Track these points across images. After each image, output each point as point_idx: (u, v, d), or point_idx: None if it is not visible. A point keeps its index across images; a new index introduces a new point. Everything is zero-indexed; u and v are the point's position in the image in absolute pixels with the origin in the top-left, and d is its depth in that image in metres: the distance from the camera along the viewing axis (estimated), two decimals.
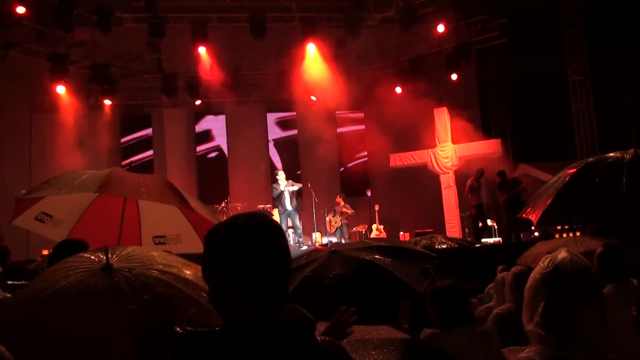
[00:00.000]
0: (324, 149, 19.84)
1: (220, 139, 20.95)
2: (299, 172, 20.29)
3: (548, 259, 2.21)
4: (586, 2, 18.53)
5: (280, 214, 16.22)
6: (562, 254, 2.20)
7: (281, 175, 16.45)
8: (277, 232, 1.90)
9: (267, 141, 21.18)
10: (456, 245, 10.66)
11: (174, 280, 2.60)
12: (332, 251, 4.52)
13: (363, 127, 21.02)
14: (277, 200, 16.43)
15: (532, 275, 2.22)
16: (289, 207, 16.24)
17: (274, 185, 16.48)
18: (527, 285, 2.22)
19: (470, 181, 15.87)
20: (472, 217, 16.06)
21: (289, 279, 1.90)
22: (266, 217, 1.94)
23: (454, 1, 18.30)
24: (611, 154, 5.48)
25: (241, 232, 1.87)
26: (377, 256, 4.48)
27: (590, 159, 5.34)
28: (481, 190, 16.10)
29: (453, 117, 18.98)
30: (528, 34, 19.60)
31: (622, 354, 4.77)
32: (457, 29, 18.93)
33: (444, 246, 10.15)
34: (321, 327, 2.53)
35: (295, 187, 16.45)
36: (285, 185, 16.29)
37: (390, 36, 19.83)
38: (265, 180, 20.52)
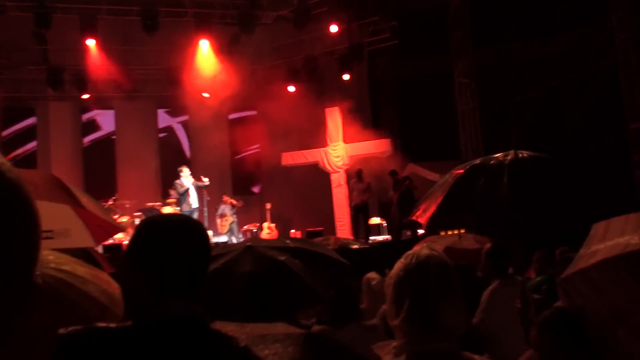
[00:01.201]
0: (216, 148, 19.67)
1: (109, 134, 20.38)
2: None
3: (410, 256, 2.28)
4: (474, 5, 19.21)
5: (183, 212, 15.87)
6: (424, 251, 2.28)
7: (186, 172, 16.14)
8: (198, 228, 1.93)
9: (158, 138, 20.77)
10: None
11: (70, 278, 2.50)
12: (247, 246, 4.50)
13: (255, 124, 20.96)
14: (181, 198, 16.09)
15: (395, 272, 2.28)
16: (195, 204, 15.95)
17: (177, 182, 16.13)
18: (391, 282, 2.28)
19: (352, 182, 16.35)
20: (352, 216, 16.47)
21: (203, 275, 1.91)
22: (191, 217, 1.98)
23: (346, 2, 18.57)
24: (494, 156, 5.74)
25: (164, 223, 1.93)
26: (290, 258, 4.49)
27: (477, 161, 5.56)
28: (366, 190, 16.44)
29: (345, 117, 19.24)
30: (418, 36, 20.12)
31: (507, 344, 5.02)
32: (350, 29, 19.21)
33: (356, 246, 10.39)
34: (227, 326, 2.51)
35: (205, 184, 16.25)
36: (192, 182, 16.02)
37: (284, 35, 19.89)
38: (155, 178, 20.11)
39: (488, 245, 5.92)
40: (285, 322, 3.49)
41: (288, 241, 4.90)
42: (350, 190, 16.41)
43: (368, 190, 16.39)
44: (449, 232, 12.82)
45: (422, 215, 5.66)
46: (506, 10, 19.50)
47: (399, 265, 2.29)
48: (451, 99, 19.75)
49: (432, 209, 5.23)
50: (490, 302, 5.46)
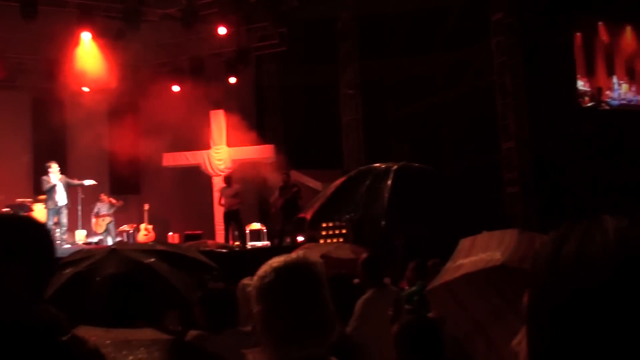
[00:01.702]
0: (94, 144, 19.01)
1: None
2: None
3: (269, 265, 2.26)
4: (362, 19, 19.56)
5: (49, 209, 15.18)
6: (292, 257, 2.28)
7: (54, 168, 15.39)
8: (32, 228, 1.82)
9: (31, 131, 19.84)
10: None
11: None
12: (111, 250, 4.37)
13: (136, 123, 20.43)
14: (48, 195, 15.36)
15: (262, 277, 2.26)
16: (61, 202, 15.28)
17: (44, 178, 15.37)
18: (258, 287, 2.26)
19: (220, 188, 16.34)
20: (225, 222, 16.40)
21: (55, 275, 1.81)
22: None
23: (236, 6, 18.44)
24: (384, 164, 5.90)
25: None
26: (155, 260, 4.42)
27: (364, 168, 5.70)
28: (235, 195, 16.36)
29: (229, 121, 19.09)
30: (306, 44, 20.27)
31: (380, 353, 5.11)
32: (239, 33, 19.08)
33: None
34: (92, 331, 2.41)
35: (79, 183, 15.67)
36: (61, 179, 15.33)
37: (171, 34, 19.50)
38: (27, 173, 19.19)
39: (364, 255, 6.03)
40: (149, 325, 3.46)
41: (154, 244, 4.82)
42: (219, 196, 16.38)
43: (237, 195, 16.32)
44: (328, 241, 12.99)
45: (308, 211, 5.78)
46: (393, 26, 20.02)
47: (266, 270, 2.26)
48: (336, 109, 20.00)
49: (319, 203, 5.38)
50: (364, 311, 5.53)
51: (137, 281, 4.25)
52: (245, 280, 7.44)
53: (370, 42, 19.92)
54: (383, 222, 5.57)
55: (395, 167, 5.33)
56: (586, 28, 19.84)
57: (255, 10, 19.22)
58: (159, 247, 4.84)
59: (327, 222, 9.47)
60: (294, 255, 2.30)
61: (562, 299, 0.92)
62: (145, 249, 4.70)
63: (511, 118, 16.53)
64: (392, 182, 4.94)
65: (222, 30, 18.63)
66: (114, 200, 17.23)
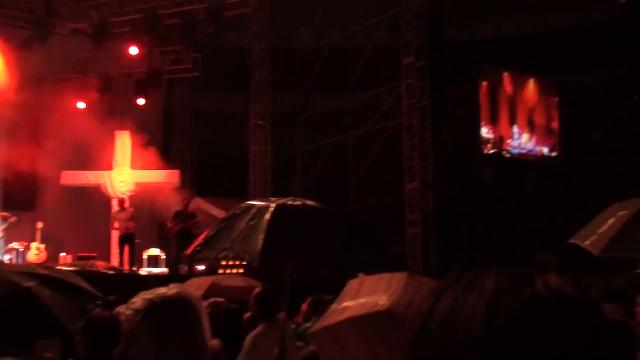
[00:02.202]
0: None
1: None
2: None
3: (153, 294, 2.22)
4: (276, 52, 19.60)
5: None
6: (169, 290, 2.22)
7: None
8: None
9: None
10: None
11: None
12: None
13: (36, 137, 19.64)
14: None
15: (136, 308, 2.20)
16: None
17: None
18: (131, 317, 2.20)
19: (114, 212, 16.06)
20: (120, 245, 16.08)
21: None
22: None
23: (150, 26, 18.17)
24: (265, 200, 5.88)
25: None
26: (36, 284, 4.19)
27: (245, 204, 5.67)
28: (130, 219, 16.03)
29: (135, 142, 18.66)
30: (219, 72, 20.15)
31: None
32: (151, 54, 18.79)
33: None
34: None
35: None
36: None
37: (80, 48, 19.00)
38: None
39: (257, 290, 5.96)
40: (19, 354, 3.32)
41: (37, 267, 4.58)
42: (112, 219, 16.01)
43: (132, 219, 15.98)
44: (227, 271, 12.79)
45: (191, 246, 5.71)
46: (307, 61, 20.18)
47: (141, 301, 2.20)
48: (245, 138, 19.89)
49: (200, 239, 5.33)
50: (253, 346, 5.45)
51: (9, 306, 4.03)
52: (121, 308, 7.20)
53: (284, 75, 19.99)
54: (255, 263, 5.50)
55: (274, 204, 5.31)
56: (492, 77, 20.56)
57: (170, 33, 19.01)
58: (42, 270, 4.60)
59: (200, 261, 9.34)
60: (164, 289, 2.23)
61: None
62: (27, 272, 4.45)
63: (416, 159, 16.83)
64: (269, 220, 4.93)
65: (133, 50, 18.30)
66: (6, 214, 16.47)
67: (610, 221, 5.50)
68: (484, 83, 20.20)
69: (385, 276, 3.37)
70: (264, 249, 5.07)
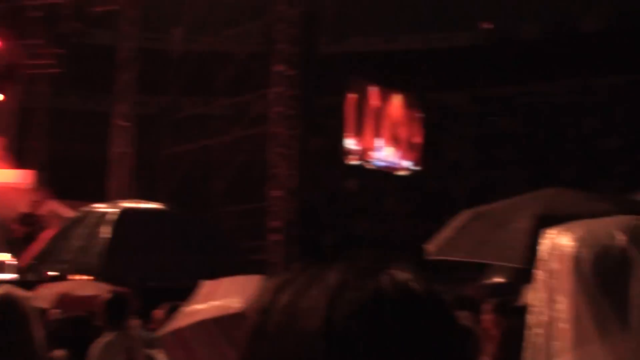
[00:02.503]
0: None
1: None
2: None
3: None
4: (144, 52, 19.06)
5: None
6: None
7: None
8: None
9: None
10: None
11: None
12: None
13: None
14: None
15: None
16: None
17: None
18: None
19: None
20: None
21: None
22: None
23: (11, 17, 17.24)
24: (107, 206, 5.68)
25: None
26: None
27: (85, 210, 5.45)
28: None
29: None
30: (84, 69, 19.38)
31: None
32: (10, 47, 17.78)
33: None
34: None
35: None
36: None
37: None
38: None
39: (106, 296, 5.72)
40: None
41: None
42: None
43: None
44: (77, 277, 12.20)
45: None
46: (176, 64, 19.82)
47: None
48: (107, 139, 19.20)
49: (34, 252, 5.04)
50: (101, 355, 5.21)
51: None
52: None
53: (151, 76, 19.51)
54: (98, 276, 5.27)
55: (120, 208, 5.10)
56: (359, 90, 21.01)
57: (32, 26, 18.07)
58: None
59: (36, 275, 8.92)
60: None
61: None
62: None
63: (282, 167, 16.86)
64: (114, 226, 4.73)
65: None
66: None
67: (450, 227, 5.82)
68: (352, 95, 20.60)
69: (240, 279, 3.29)
70: (108, 259, 4.84)
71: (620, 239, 1.55)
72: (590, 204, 5.32)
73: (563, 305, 1.58)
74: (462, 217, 5.81)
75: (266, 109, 17.58)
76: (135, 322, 5.93)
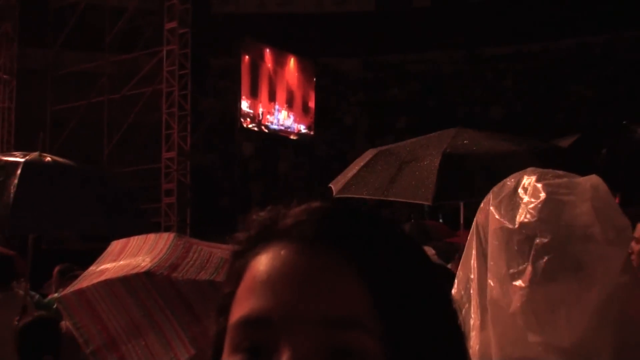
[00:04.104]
0: None
1: None
2: None
3: None
4: (24, 2, 17.98)
5: None
6: None
7: None
8: None
9: None
10: None
11: None
12: None
13: None
14: None
15: None
16: None
17: None
18: None
19: None
20: None
21: None
22: None
23: None
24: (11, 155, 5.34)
25: None
26: None
27: None
28: None
29: None
30: None
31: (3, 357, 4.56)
32: None
33: None
34: None
35: None
36: None
37: None
38: None
39: None
40: None
41: None
42: None
43: None
44: None
45: None
46: (60, 15, 18.85)
47: None
48: None
49: None
50: None
51: None
52: None
53: (34, 28, 18.46)
54: (8, 226, 4.98)
55: (23, 160, 4.83)
56: (254, 52, 20.69)
57: None
58: None
59: None
60: None
61: None
62: None
63: (175, 128, 16.43)
64: (19, 179, 4.46)
65: None
66: None
67: (355, 165, 5.83)
68: (246, 57, 20.27)
69: (151, 236, 3.12)
70: (14, 212, 4.54)
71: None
72: (491, 142, 5.61)
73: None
74: (367, 156, 5.80)
75: (158, 68, 17.03)
76: (23, 284, 5.67)
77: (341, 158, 20.50)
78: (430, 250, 6.50)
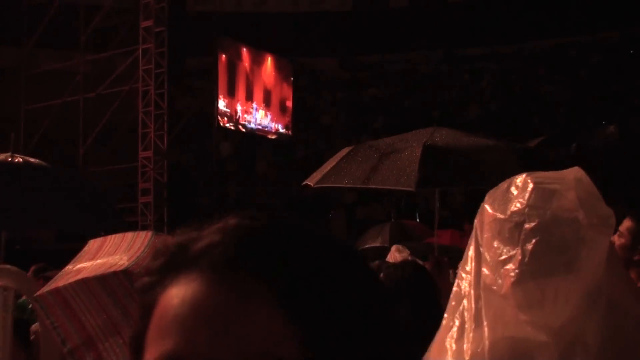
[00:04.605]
0: None
1: None
2: None
3: None
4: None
5: None
6: None
7: None
8: None
9: None
10: None
11: None
12: None
13: None
14: None
15: None
16: None
17: None
18: None
19: None
20: None
21: None
22: None
23: None
24: None
25: None
26: None
27: None
28: None
29: None
30: None
31: None
32: None
33: None
34: None
35: None
36: None
37: None
38: None
39: None
40: None
41: None
42: None
43: None
44: None
45: None
46: (33, 13, 18.65)
47: None
48: None
49: None
50: None
51: None
52: None
53: (6, 26, 18.26)
54: None
55: None
56: (231, 51, 20.61)
57: None
58: None
59: None
60: None
61: None
62: None
63: (151, 127, 16.31)
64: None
65: None
66: None
67: (332, 160, 5.89)
68: (223, 56, 20.19)
69: (129, 235, 3.09)
70: None
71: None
72: (469, 138, 5.80)
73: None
74: (344, 151, 5.83)
75: (134, 66, 16.89)
76: None
77: (318, 158, 20.50)
78: (404, 251, 6.51)
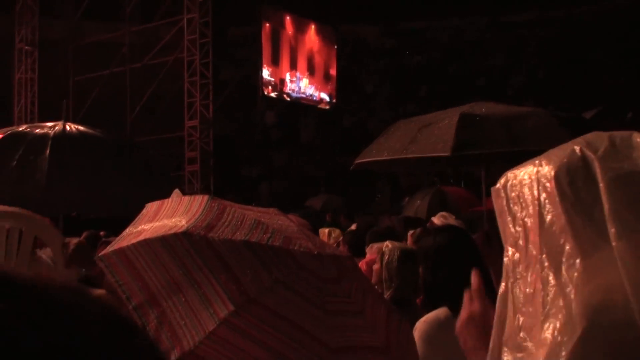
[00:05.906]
0: None
1: None
2: None
3: None
4: None
5: None
6: None
7: None
8: None
9: None
10: None
11: None
12: None
13: None
14: None
15: None
16: None
17: None
18: None
19: None
20: None
21: None
22: None
23: None
24: (42, 124, 5.33)
25: None
26: None
27: (20, 128, 5.13)
28: None
29: None
30: None
31: None
32: None
33: None
34: None
35: None
36: None
37: None
38: None
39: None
40: None
41: None
42: None
43: None
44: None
45: None
46: None
47: None
48: (10, 65, 18.19)
49: None
50: None
51: None
52: None
53: (53, 0, 18.49)
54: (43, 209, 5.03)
55: (52, 133, 4.87)
56: (274, 19, 20.59)
57: None
58: None
59: None
60: None
61: None
62: None
63: (197, 96, 16.47)
64: (49, 156, 4.52)
65: None
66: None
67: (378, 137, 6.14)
68: (267, 24, 20.19)
69: (186, 199, 3.18)
70: (46, 197, 4.58)
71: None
72: (509, 108, 6.00)
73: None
74: (389, 129, 5.99)
75: (179, 37, 17.01)
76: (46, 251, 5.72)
77: (363, 126, 20.47)
78: (450, 217, 6.56)
